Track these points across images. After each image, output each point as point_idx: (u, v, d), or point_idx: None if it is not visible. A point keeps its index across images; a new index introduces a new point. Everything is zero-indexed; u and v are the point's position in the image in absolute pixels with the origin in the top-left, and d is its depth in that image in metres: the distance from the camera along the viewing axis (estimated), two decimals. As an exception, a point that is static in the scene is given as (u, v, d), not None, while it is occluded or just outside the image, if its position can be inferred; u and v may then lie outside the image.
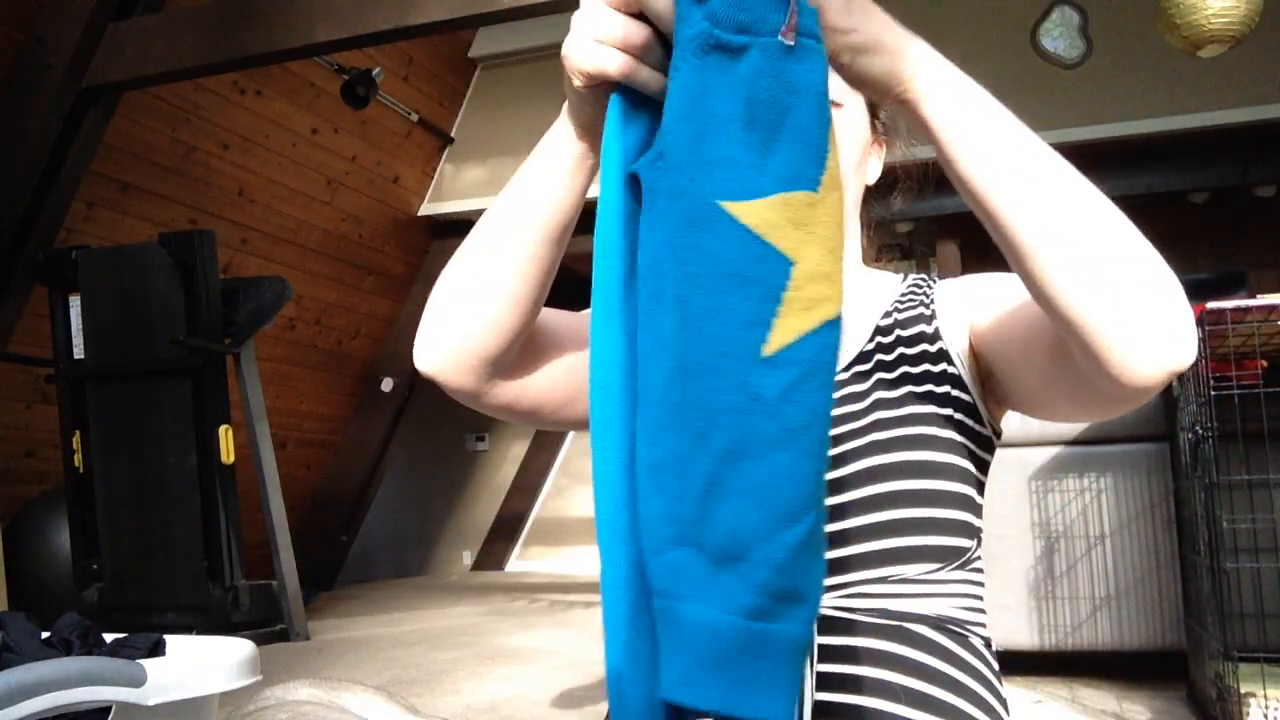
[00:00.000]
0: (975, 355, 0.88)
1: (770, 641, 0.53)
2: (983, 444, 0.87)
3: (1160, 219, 5.55)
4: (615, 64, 0.61)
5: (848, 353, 0.90)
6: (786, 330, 0.53)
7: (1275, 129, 4.41)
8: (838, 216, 0.56)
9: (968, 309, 0.88)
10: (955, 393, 0.85)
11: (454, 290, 0.81)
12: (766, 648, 0.53)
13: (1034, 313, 0.73)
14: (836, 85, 0.87)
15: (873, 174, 0.98)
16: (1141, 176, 4.75)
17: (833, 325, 0.55)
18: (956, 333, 0.88)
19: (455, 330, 0.81)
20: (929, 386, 0.85)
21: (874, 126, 0.96)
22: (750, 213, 0.53)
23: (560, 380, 0.88)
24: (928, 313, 0.91)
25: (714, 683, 0.53)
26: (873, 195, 1.00)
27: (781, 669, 0.54)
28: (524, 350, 0.84)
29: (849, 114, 0.90)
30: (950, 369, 0.87)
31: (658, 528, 0.55)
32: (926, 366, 0.86)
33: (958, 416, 0.85)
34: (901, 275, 1.01)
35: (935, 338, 0.88)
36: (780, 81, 0.54)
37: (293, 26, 3.40)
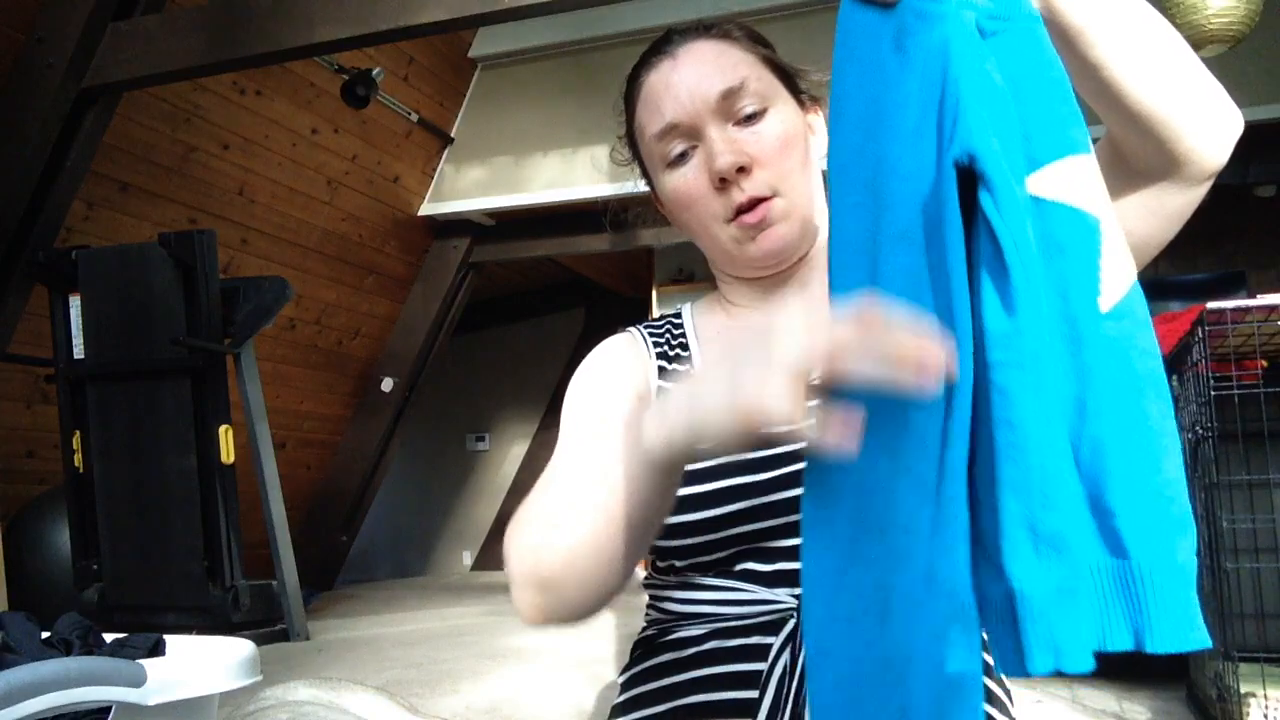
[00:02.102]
0: None
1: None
2: None
3: (1160, 219, 5.56)
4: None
5: None
6: (1113, 288, 0.54)
7: (1275, 129, 4.41)
8: (1099, 173, 0.57)
9: None
10: None
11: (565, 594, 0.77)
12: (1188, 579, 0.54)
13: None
14: (758, 92, 0.86)
15: (821, 150, 0.96)
16: (1141, 176, 4.75)
17: (1136, 286, 0.56)
18: None
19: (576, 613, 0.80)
20: None
21: (800, 103, 0.94)
22: (1045, 181, 0.54)
23: None
24: None
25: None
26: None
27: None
28: None
29: (777, 113, 0.90)
30: None
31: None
32: None
33: None
34: None
35: None
36: (1030, 57, 0.55)
37: (293, 26, 3.41)
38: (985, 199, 0.53)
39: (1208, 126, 0.71)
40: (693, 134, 0.89)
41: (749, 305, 0.98)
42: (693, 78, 0.89)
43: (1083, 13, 0.66)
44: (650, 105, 0.91)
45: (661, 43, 0.94)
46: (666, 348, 0.99)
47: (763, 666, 0.80)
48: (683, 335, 0.99)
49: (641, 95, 0.93)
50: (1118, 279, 0.55)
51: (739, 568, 0.84)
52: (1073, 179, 0.55)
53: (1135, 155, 0.73)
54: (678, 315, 1.03)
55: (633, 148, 0.99)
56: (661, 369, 0.97)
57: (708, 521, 0.84)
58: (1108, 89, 0.69)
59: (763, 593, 0.83)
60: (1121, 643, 0.53)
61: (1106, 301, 0.54)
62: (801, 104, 0.95)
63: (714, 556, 0.85)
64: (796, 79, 0.96)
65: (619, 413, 0.89)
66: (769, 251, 0.90)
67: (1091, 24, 0.66)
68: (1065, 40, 0.67)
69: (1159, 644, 0.52)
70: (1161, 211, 0.79)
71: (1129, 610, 0.53)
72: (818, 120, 0.97)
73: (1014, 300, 0.52)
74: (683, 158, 0.90)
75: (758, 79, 0.90)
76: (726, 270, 0.97)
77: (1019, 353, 0.52)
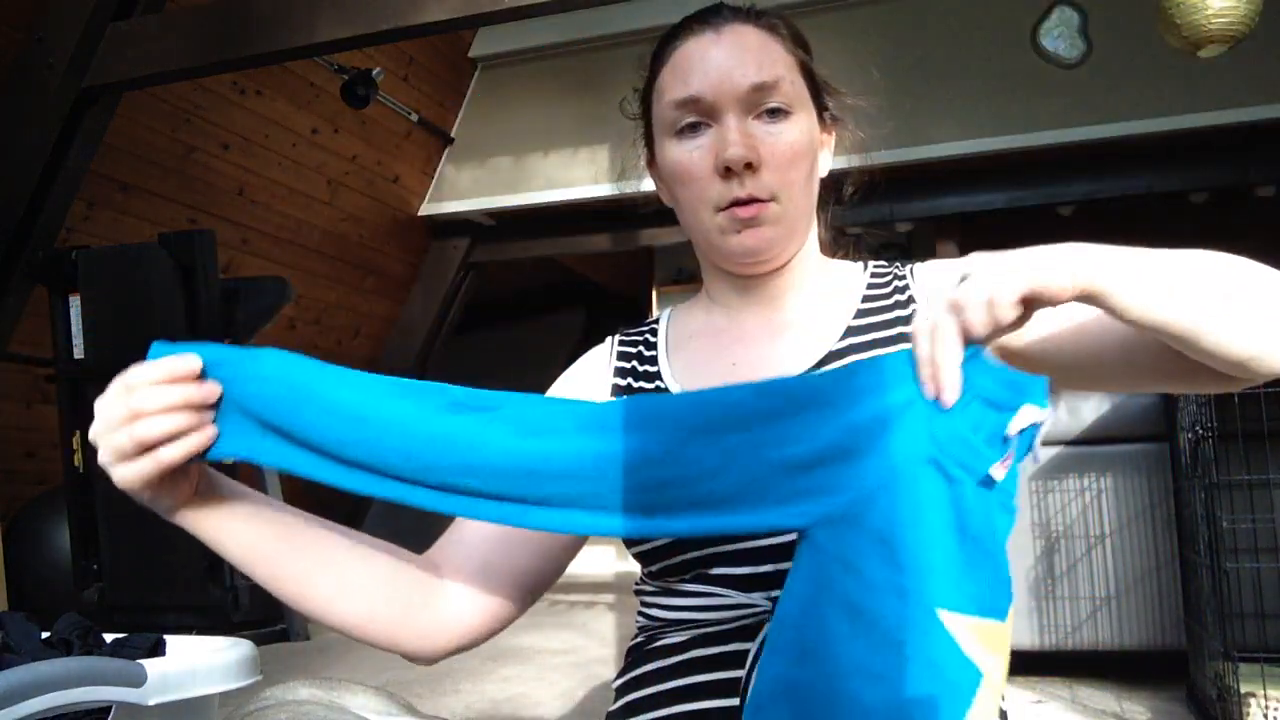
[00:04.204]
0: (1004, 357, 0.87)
1: None
2: None
3: (1160, 219, 5.56)
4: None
5: (816, 352, 0.90)
6: None
7: (1275, 129, 4.41)
8: (1009, 640, 0.65)
9: None
10: None
11: None
12: None
13: (1139, 340, 0.78)
14: (788, 95, 0.89)
15: (824, 167, 0.98)
16: (1141, 176, 4.76)
17: None
18: None
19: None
20: None
21: (821, 118, 0.95)
22: (958, 626, 0.61)
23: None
24: (904, 308, 0.92)
25: None
26: (825, 187, 1.00)
27: None
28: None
29: (798, 122, 0.90)
30: None
31: None
32: None
33: None
34: (861, 264, 1.01)
35: None
36: (987, 521, 0.62)
37: (293, 26, 3.40)
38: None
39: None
40: (711, 114, 0.89)
41: (725, 303, 0.98)
42: (729, 60, 0.88)
43: (1148, 315, 0.68)
44: (679, 71, 0.90)
45: (709, 13, 0.93)
46: (637, 356, 0.99)
47: (741, 674, 0.80)
48: (655, 345, 1.00)
49: (672, 59, 0.92)
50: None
51: (714, 572, 0.84)
52: (979, 637, 0.61)
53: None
54: (657, 321, 1.03)
55: (644, 103, 0.98)
56: (621, 379, 0.98)
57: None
58: (1193, 355, 0.72)
59: (739, 597, 0.83)
60: None
61: None
62: (822, 120, 0.95)
63: (683, 558, 0.85)
64: (825, 94, 0.96)
65: None
66: (749, 248, 0.90)
67: (1155, 318, 0.68)
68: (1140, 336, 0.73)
69: None
70: (1180, 385, 0.81)
71: None
72: (831, 140, 0.98)
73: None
74: (694, 131, 0.90)
75: (791, 83, 0.90)
76: (706, 255, 0.97)
77: None
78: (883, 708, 0.60)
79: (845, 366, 0.67)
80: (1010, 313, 0.62)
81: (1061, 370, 0.84)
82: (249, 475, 3.95)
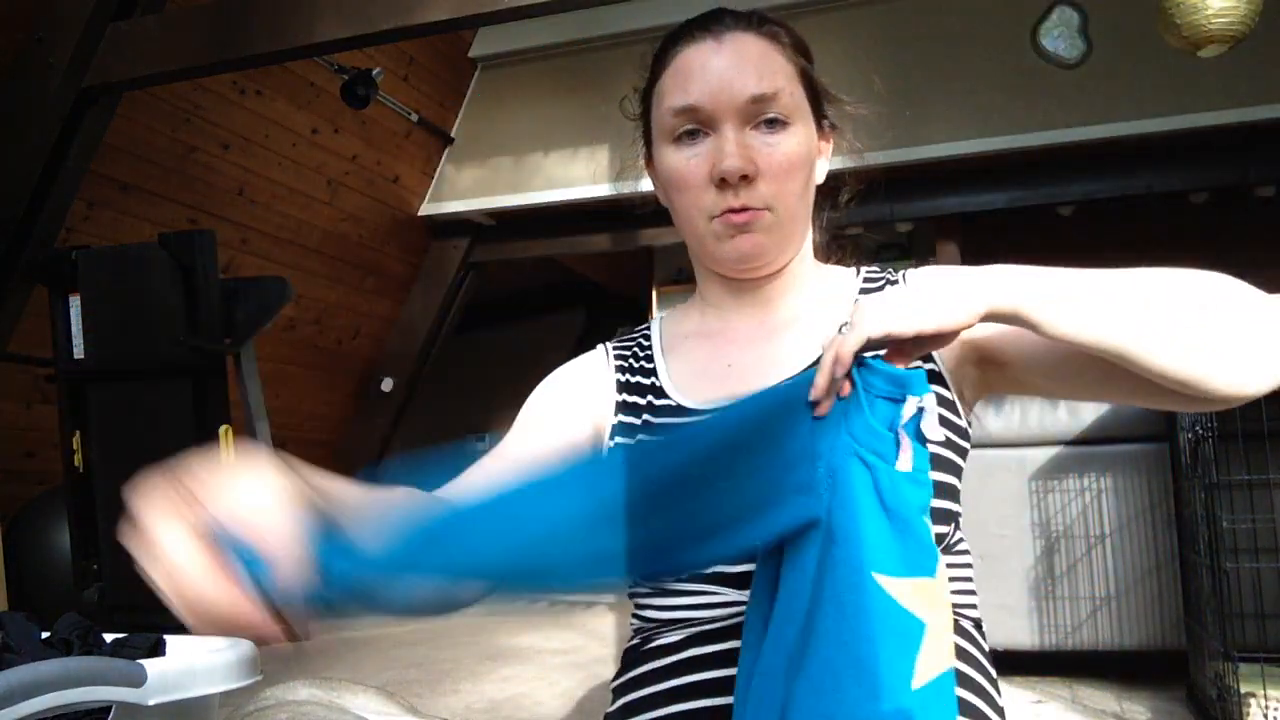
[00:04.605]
0: (977, 349, 0.89)
1: None
2: (961, 434, 0.89)
3: (1160, 219, 5.56)
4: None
5: (812, 353, 0.91)
6: (924, 673, 0.70)
7: (1275, 129, 4.41)
8: (947, 592, 0.74)
9: None
10: (935, 388, 0.86)
11: None
12: None
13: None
14: (787, 106, 0.90)
15: (821, 174, 0.98)
16: (1141, 176, 4.75)
17: (949, 674, 0.72)
18: None
19: None
20: None
21: (819, 126, 0.96)
22: (893, 586, 0.70)
23: None
24: None
25: None
26: (822, 192, 1.01)
27: None
28: None
29: (796, 133, 0.91)
30: (927, 365, 0.88)
31: None
32: None
33: (940, 412, 0.85)
34: (854, 270, 1.02)
35: None
36: (900, 497, 0.72)
37: (293, 26, 3.40)
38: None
39: (1239, 372, 0.74)
40: (710, 123, 0.89)
41: (718, 306, 0.99)
42: (730, 71, 0.88)
43: (1077, 335, 0.73)
44: (679, 78, 0.91)
45: (711, 19, 0.93)
46: (632, 361, 1.00)
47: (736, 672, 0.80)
48: (650, 349, 1.00)
49: (673, 65, 0.92)
50: (927, 670, 0.70)
51: (709, 570, 0.85)
52: (915, 594, 0.71)
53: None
54: (648, 327, 1.04)
55: (644, 104, 0.99)
56: (622, 383, 0.98)
57: None
58: (1128, 371, 0.75)
59: (734, 594, 0.84)
60: None
61: (917, 682, 0.70)
62: (821, 128, 0.96)
63: None
64: (825, 102, 0.97)
65: (559, 432, 0.95)
66: (743, 254, 0.91)
67: (1085, 338, 0.73)
68: (1071, 351, 0.76)
69: None
70: (1154, 401, 0.82)
71: None
72: (828, 149, 0.99)
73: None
74: (691, 139, 0.90)
75: (790, 94, 0.90)
76: (700, 258, 0.98)
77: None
78: (847, 661, 0.70)
79: (769, 391, 0.77)
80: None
81: (1046, 382, 0.87)
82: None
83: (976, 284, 0.73)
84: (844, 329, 0.73)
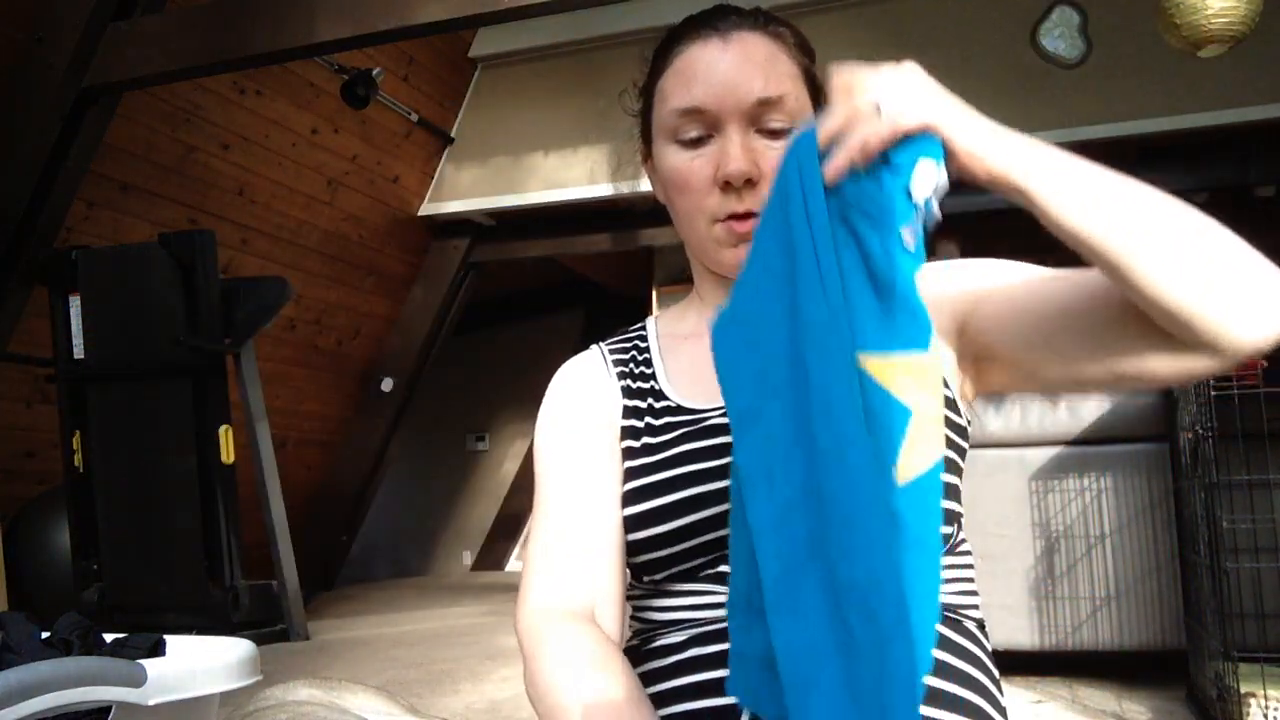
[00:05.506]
0: (969, 343, 0.87)
1: None
2: (960, 433, 0.88)
3: (1160, 219, 5.56)
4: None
5: None
6: (911, 467, 0.65)
7: (1275, 129, 4.41)
8: (939, 373, 0.68)
9: (962, 301, 0.87)
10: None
11: None
12: None
13: (1075, 298, 0.78)
14: (792, 110, 0.89)
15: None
16: (1141, 176, 4.69)
17: (939, 465, 0.66)
18: (935, 323, 0.88)
19: None
20: None
21: None
22: (877, 367, 0.65)
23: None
24: None
25: None
26: None
27: None
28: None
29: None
30: None
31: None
32: None
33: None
34: None
35: None
36: (893, 263, 0.66)
37: (293, 26, 3.41)
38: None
39: (1238, 313, 0.70)
40: (714, 125, 0.88)
41: (717, 305, 0.98)
42: (736, 73, 0.87)
43: (1070, 219, 0.69)
44: (682, 78, 0.89)
45: (715, 16, 0.91)
46: (630, 364, 0.98)
47: None
48: (647, 350, 0.99)
49: (676, 63, 0.90)
50: (913, 464, 0.65)
51: (711, 571, 0.85)
52: (903, 373, 0.66)
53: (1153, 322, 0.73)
54: (643, 328, 1.03)
55: (644, 100, 0.97)
56: (626, 388, 0.97)
57: (674, 533, 0.85)
58: (1126, 289, 0.71)
59: None
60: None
61: (902, 476, 0.65)
62: None
63: (687, 565, 0.86)
64: (826, 102, 0.96)
65: (593, 454, 0.92)
66: (744, 261, 0.90)
67: (1077, 224, 0.69)
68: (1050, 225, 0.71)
69: None
70: (1139, 381, 0.79)
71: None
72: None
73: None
74: (695, 143, 0.88)
75: (796, 97, 0.89)
76: (699, 257, 0.96)
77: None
78: (829, 453, 0.65)
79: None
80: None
81: (1030, 354, 0.84)
82: (249, 474, 3.95)
83: (996, 138, 0.70)
84: (864, 103, 0.68)
